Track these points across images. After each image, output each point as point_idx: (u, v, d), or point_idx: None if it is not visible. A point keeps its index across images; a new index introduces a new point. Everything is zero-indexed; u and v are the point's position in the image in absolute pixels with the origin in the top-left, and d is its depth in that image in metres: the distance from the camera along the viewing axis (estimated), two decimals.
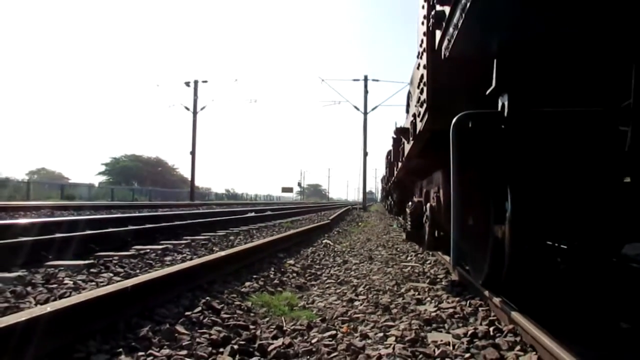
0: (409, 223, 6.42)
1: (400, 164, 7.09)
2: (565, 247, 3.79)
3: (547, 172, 2.51)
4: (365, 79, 31.44)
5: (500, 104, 2.10)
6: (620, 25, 1.83)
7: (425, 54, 3.09)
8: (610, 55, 2.06)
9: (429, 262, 5.03)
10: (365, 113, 31.33)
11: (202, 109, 32.55)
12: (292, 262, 4.88)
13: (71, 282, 3.22)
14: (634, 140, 1.90)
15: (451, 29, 1.99)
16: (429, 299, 3.22)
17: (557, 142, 2.35)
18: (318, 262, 5.18)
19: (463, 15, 1.74)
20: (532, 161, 2.45)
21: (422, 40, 3.27)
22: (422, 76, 3.24)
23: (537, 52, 2.08)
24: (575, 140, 2.33)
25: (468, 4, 1.66)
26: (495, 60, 2.02)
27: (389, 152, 13.48)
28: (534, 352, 1.98)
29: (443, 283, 3.79)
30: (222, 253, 3.96)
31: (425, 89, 3.07)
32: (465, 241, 3.21)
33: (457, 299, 3.14)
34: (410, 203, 6.65)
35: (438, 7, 2.10)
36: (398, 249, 6.47)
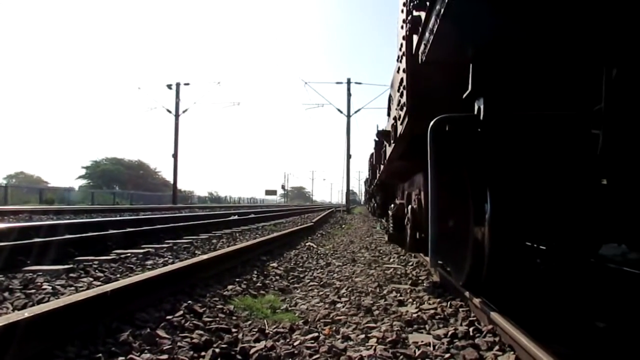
0: (392, 225, 6.48)
1: (382, 166, 7.15)
2: (544, 248, 3.88)
3: (524, 174, 2.57)
4: (348, 81, 31.63)
5: (476, 107, 2.15)
6: (591, 31, 1.89)
7: (404, 58, 3.14)
8: (582, 59, 2.13)
9: (411, 263, 5.08)
10: (349, 116, 31.50)
11: (184, 111, 32.35)
12: (275, 264, 4.88)
13: (50, 287, 3.17)
14: (606, 143, 1.97)
15: (427, 34, 2.03)
16: (410, 300, 3.26)
17: (533, 145, 2.41)
18: (301, 264, 5.19)
19: (438, 20, 1.78)
20: (509, 163, 2.50)
21: (401, 44, 3.32)
22: (402, 80, 3.29)
23: (511, 57, 2.13)
24: (551, 142, 2.39)
25: (442, 10, 1.70)
26: (471, 65, 2.06)
27: (371, 155, 13.57)
28: (512, 352, 2.01)
29: (425, 284, 3.83)
30: (204, 256, 3.94)
31: (405, 92, 3.11)
32: (446, 242, 3.26)
33: (438, 300, 3.18)
34: (392, 205, 6.71)
35: (415, 12, 2.14)
36: (381, 251, 6.51)
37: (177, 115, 31.97)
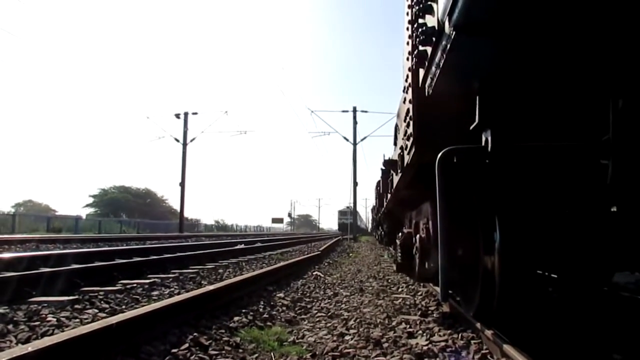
0: (400, 254, 6.41)
1: (389, 195, 7.13)
2: (555, 276, 3.81)
3: (533, 204, 2.56)
4: (354, 110, 31.96)
5: (484, 138, 2.16)
6: (596, 65, 1.91)
7: (410, 89, 3.18)
8: (588, 91, 2.14)
9: (420, 293, 4.99)
10: (355, 144, 31.68)
11: (191, 140, 32.67)
12: (282, 295, 4.82)
13: (54, 319, 3.15)
14: (615, 172, 1.96)
15: (433, 68, 2.06)
16: (420, 332, 3.19)
17: (541, 175, 2.41)
18: (308, 294, 5.12)
19: (444, 55, 1.81)
20: (518, 194, 2.49)
21: (407, 76, 3.37)
22: (408, 110, 3.32)
23: (518, 89, 2.15)
24: (560, 173, 2.39)
25: (448, 45, 1.73)
26: (477, 97, 2.09)
27: (378, 183, 13.57)
28: None
29: (435, 315, 3.76)
30: (210, 287, 3.90)
31: (411, 122, 3.14)
32: (455, 272, 3.22)
33: (449, 331, 3.11)
34: (400, 234, 6.65)
35: (420, 47, 2.18)
36: (389, 280, 6.43)
37: (184, 144, 32.32)
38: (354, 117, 31.94)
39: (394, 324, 3.45)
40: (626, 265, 2.82)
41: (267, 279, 5.45)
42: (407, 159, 3.54)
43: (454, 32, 1.67)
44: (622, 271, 3.32)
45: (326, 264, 9.73)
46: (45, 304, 3.68)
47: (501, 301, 2.65)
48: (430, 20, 2.09)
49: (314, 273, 7.33)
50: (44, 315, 3.24)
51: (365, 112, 32.41)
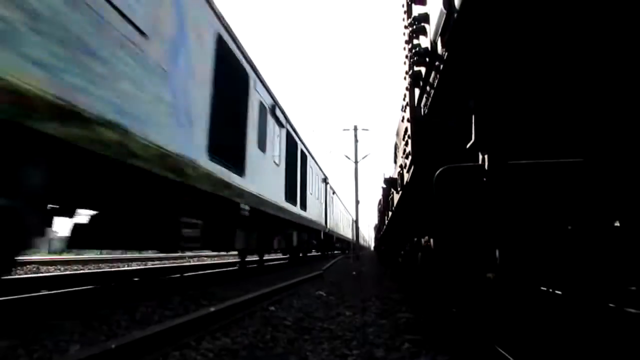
0: (402, 272, 6.37)
1: (390, 213, 7.13)
2: (560, 292, 3.78)
3: (533, 221, 2.56)
4: (355, 128, 32.10)
5: (480, 157, 2.18)
6: (590, 80, 1.94)
7: (408, 108, 3.21)
8: (584, 107, 2.17)
9: (423, 311, 4.95)
10: (356, 162, 31.72)
11: None
12: (283, 315, 4.78)
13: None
14: (616, 188, 1.98)
15: (428, 87, 2.10)
16: (424, 351, 3.16)
17: (540, 192, 2.42)
18: (310, 314, 5.07)
19: (438, 75, 1.85)
20: (517, 211, 2.50)
21: (404, 95, 3.41)
22: (406, 129, 3.35)
23: (513, 106, 2.18)
24: (558, 189, 2.40)
25: (441, 66, 1.77)
26: (473, 116, 2.12)
27: (379, 201, 13.56)
28: None
29: (439, 333, 3.72)
30: (212, 308, 3.89)
31: (410, 141, 3.17)
32: (458, 289, 3.20)
33: (453, 350, 3.08)
34: (402, 252, 6.63)
35: (415, 68, 2.23)
36: (392, 299, 6.37)
37: None
38: (355, 135, 32.07)
39: (397, 343, 3.41)
40: (631, 280, 2.81)
41: (268, 299, 5.41)
42: (406, 177, 3.57)
43: (446, 53, 1.71)
44: (627, 286, 3.30)
45: (328, 282, 9.65)
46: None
47: (504, 317, 2.63)
48: (424, 41, 2.13)
49: (316, 292, 7.27)
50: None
51: (366, 130, 32.46)
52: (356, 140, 32.19)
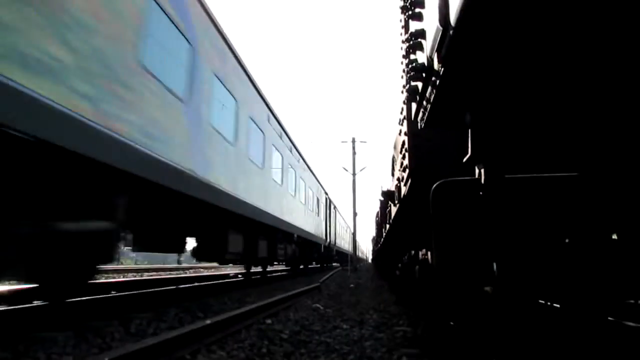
0: (400, 285, 6.35)
1: (388, 225, 7.13)
2: (558, 306, 3.77)
3: (531, 234, 2.56)
4: (353, 141, 32.21)
5: (477, 171, 2.19)
6: (587, 93, 1.96)
7: (405, 122, 3.24)
8: (581, 121, 2.19)
9: (421, 325, 4.91)
10: (354, 174, 31.77)
11: None
12: (280, 328, 4.74)
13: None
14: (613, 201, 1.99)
15: (424, 102, 2.11)
16: None
17: (537, 206, 2.42)
18: (307, 327, 5.04)
19: (434, 90, 1.87)
20: (514, 224, 2.50)
21: (402, 108, 3.44)
22: (403, 142, 3.37)
23: (509, 121, 2.19)
24: (555, 202, 2.40)
25: (438, 81, 1.78)
26: (469, 130, 2.13)
27: (377, 214, 13.56)
28: None
29: (435, 347, 3.70)
30: (208, 321, 3.86)
31: (407, 154, 3.18)
32: (455, 302, 3.18)
33: None
34: (400, 264, 6.61)
35: (412, 82, 2.25)
36: (390, 312, 6.33)
37: None
38: (353, 148, 32.16)
39: (395, 357, 3.39)
40: (630, 293, 2.80)
41: (265, 312, 5.37)
42: (404, 190, 3.57)
43: (442, 69, 1.73)
44: (626, 300, 3.29)
45: (326, 295, 9.59)
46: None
47: (502, 331, 2.61)
48: (421, 57, 2.15)
49: (314, 305, 7.22)
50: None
51: (364, 142, 32.63)
52: (354, 153, 32.28)
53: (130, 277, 12.74)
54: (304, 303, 7.42)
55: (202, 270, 20.98)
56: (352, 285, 13.31)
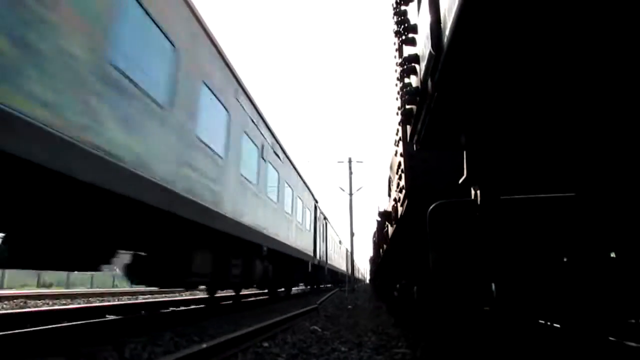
0: (398, 306, 6.29)
1: (385, 245, 7.11)
2: (558, 326, 3.74)
3: (528, 254, 2.56)
4: (350, 161, 32.32)
5: (472, 192, 2.21)
6: (583, 115, 1.99)
7: (401, 143, 3.27)
8: (578, 142, 2.21)
9: (420, 347, 4.86)
10: (351, 194, 31.77)
11: None
12: (277, 351, 4.67)
13: None
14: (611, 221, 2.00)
15: (419, 125, 2.14)
16: None
17: (534, 227, 2.43)
18: (305, 350, 4.97)
19: (429, 113, 1.90)
20: (511, 245, 2.50)
21: (397, 130, 3.47)
22: (400, 163, 3.40)
23: (504, 142, 2.22)
24: (552, 223, 2.41)
25: (432, 104, 1.81)
26: (464, 152, 2.15)
27: (374, 234, 13.51)
28: None
29: None
30: (204, 345, 3.80)
31: (403, 175, 3.20)
32: (454, 324, 3.16)
33: None
34: (398, 285, 6.57)
35: (407, 105, 2.28)
36: (388, 334, 6.26)
37: None
38: (350, 168, 32.25)
39: None
40: (631, 313, 2.79)
41: (262, 335, 5.30)
42: (400, 210, 3.58)
43: (436, 93, 1.76)
44: (628, 319, 3.27)
45: (323, 317, 9.49)
46: None
47: (501, 351, 2.59)
48: (415, 80, 2.19)
49: (311, 327, 7.14)
50: None
51: (361, 162, 32.75)
52: (350, 173, 32.35)
53: (124, 300, 12.55)
54: (302, 325, 7.33)
55: (197, 292, 20.43)
56: (350, 307, 13.18)
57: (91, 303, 11.00)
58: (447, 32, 1.49)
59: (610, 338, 3.90)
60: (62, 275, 31.29)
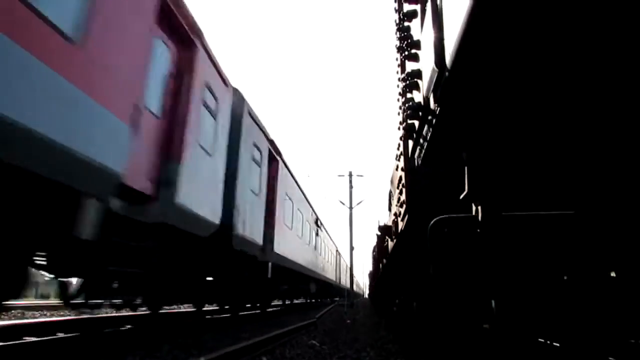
0: (398, 321, 6.24)
1: (385, 260, 7.08)
2: (558, 344, 3.70)
3: (529, 271, 2.55)
4: (350, 174, 32.32)
5: (474, 208, 2.21)
6: (584, 133, 2.00)
7: (402, 157, 3.28)
8: (579, 160, 2.22)
9: None
10: (351, 208, 31.70)
11: None
12: None
13: None
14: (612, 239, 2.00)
15: (421, 140, 2.15)
16: None
17: (534, 244, 2.43)
18: None
19: (430, 129, 1.91)
20: (512, 261, 2.49)
21: (399, 144, 3.48)
22: (400, 178, 3.40)
23: (506, 159, 2.23)
24: (553, 240, 2.41)
25: (434, 120, 1.83)
26: (466, 168, 2.16)
27: (374, 248, 13.47)
28: None
29: None
30: (202, 358, 3.77)
31: (404, 190, 3.21)
32: (454, 340, 3.13)
33: None
34: (397, 300, 6.53)
35: (409, 121, 2.30)
36: (387, 349, 6.20)
37: None
38: (350, 181, 32.24)
39: None
40: (630, 332, 2.76)
41: (260, 349, 5.25)
42: (401, 225, 3.58)
43: (438, 108, 1.78)
44: (628, 339, 3.23)
45: (322, 331, 9.40)
46: None
47: None
48: (417, 96, 2.21)
49: (310, 342, 7.07)
50: None
51: (361, 176, 32.76)
52: (351, 186, 32.32)
53: (123, 312, 12.42)
54: (300, 339, 7.25)
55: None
56: (348, 321, 13.06)
57: (86, 314, 10.89)
58: (450, 49, 1.51)
59: (610, 358, 3.85)
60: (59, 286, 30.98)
